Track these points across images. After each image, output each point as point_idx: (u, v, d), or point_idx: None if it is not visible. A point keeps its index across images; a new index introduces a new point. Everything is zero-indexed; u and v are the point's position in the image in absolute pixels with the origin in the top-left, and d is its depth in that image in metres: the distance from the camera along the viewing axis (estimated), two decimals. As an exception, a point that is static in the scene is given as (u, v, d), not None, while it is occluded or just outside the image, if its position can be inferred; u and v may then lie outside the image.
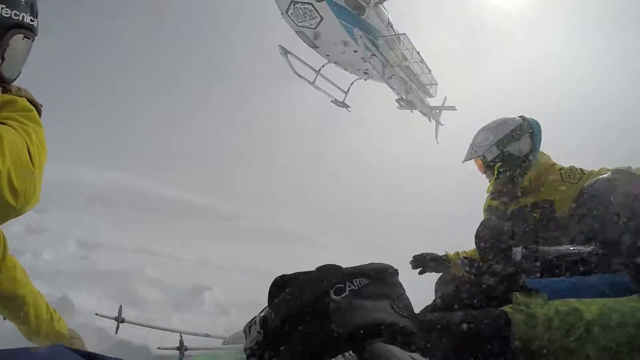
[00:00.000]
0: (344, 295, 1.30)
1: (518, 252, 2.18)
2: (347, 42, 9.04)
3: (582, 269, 2.03)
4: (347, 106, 10.50)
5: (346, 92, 10.35)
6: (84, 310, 4.71)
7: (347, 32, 8.86)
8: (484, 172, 3.22)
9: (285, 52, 9.63)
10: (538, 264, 2.07)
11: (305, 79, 9.81)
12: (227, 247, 7.01)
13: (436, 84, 11.49)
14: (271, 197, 20.86)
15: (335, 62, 9.88)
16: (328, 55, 9.73)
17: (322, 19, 8.50)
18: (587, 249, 2.09)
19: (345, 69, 10.32)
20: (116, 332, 3.97)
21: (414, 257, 3.23)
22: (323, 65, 9.76)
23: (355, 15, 8.90)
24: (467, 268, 2.31)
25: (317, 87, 9.85)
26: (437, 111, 12.12)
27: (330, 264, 1.37)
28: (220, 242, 7.55)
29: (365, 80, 10.79)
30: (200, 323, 4.14)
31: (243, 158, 26.01)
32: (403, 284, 1.38)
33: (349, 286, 1.30)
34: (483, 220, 2.46)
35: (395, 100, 11.18)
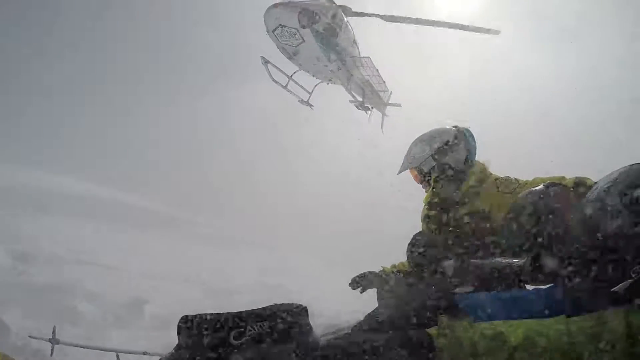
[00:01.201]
0: (243, 340, 1.22)
1: (450, 265, 2.15)
2: (320, 58, 10.67)
3: (514, 282, 2.01)
4: (310, 105, 11.84)
5: (310, 93, 11.79)
6: (19, 331, 4.41)
7: (323, 52, 10.55)
8: (420, 183, 3.20)
9: (266, 61, 11.00)
10: (469, 277, 2.03)
11: (279, 83, 11.16)
12: (169, 255, 6.68)
13: (389, 91, 13.27)
14: (219, 200, 20.33)
15: (305, 70, 11.39)
16: (301, 65, 11.20)
17: (303, 41, 10.12)
18: (519, 261, 2.07)
19: (313, 75, 11.74)
20: (51, 354, 3.76)
21: (352, 279, 3.17)
22: (295, 72, 11.23)
23: (331, 38, 10.55)
24: (400, 282, 2.24)
25: (289, 90, 11.35)
26: (384, 106, 13.76)
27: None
28: (162, 249, 7.20)
29: (328, 84, 12.31)
30: (139, 339, 3.94)
31: (191, 160, 25.21)
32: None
33: (249, 330, 1.22)
34: (415, 234, 2.39)
35: (354, 104, 12.87)
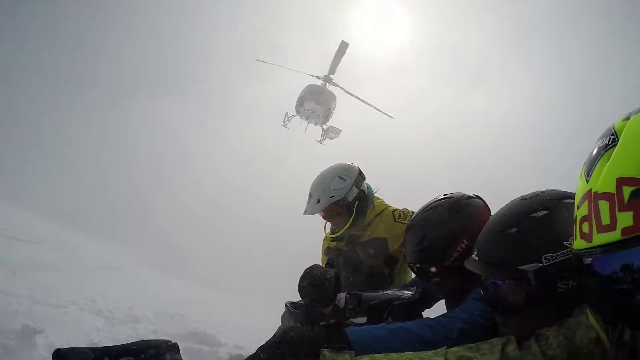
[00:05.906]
0: None
1: (342, 298, 2.17)
2: (318, 122, 19.18)
3: (406, 313, 2.07)
4: (287, 127, 20.10)
5: (289, 119, 19.83)
6: None
7: (322, 121, 19.09)
8: (334, 218, 3.11)
9: (286, 113, 19.56)
10: (362, 308, 2.08)
11: (283, 124, 20.02)
12: (64, 280, 6.14)
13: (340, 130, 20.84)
14: (122, 219, 19.11)
15: (303, 120, 19.40)
16: (305, 119, 19.38)
17: (319, 117, 18.78)
18: (409, 293, 2.14)
19: (301, 119, 19.61)
20: None
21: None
22: (294, 115, 19.48)
23: (329, 117, 19.48)
24: (292, 315, 2.27)
25: (285, 125, 20.08)
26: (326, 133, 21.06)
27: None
28: (55, 274, 6.61)
29: (307, 123, 20.03)
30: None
31: (99, 169, 23.37)
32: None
33: (115, 366, 1.20)
34: (308, 267, 2.42)
35: (317, 141, 20.73)
